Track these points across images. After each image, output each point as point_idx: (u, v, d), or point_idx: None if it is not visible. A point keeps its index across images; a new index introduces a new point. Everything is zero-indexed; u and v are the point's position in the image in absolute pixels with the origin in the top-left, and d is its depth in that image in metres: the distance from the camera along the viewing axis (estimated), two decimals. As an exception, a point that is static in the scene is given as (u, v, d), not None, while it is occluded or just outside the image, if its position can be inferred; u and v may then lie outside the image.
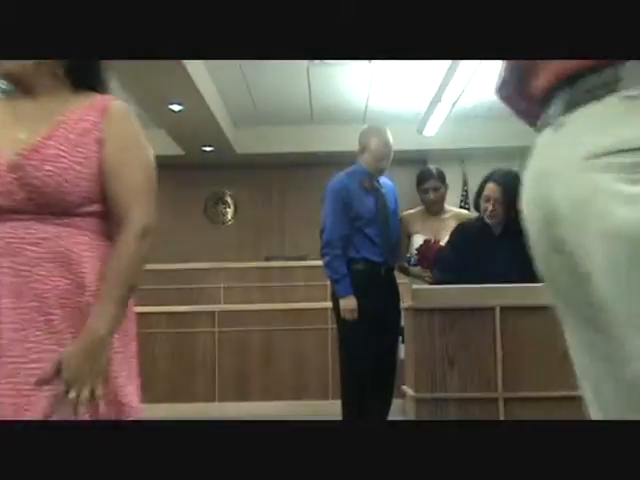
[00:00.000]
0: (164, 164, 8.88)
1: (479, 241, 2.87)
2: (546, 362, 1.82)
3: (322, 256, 3.35)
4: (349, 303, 3.23)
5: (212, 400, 4.80)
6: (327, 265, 3.31)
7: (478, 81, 5.91)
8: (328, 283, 3.53)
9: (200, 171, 8.48)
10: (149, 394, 5.34)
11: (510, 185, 2.80)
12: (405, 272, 3.47)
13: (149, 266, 5.84)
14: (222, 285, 5.70)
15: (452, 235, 3.07)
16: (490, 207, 2.82)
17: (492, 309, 1.81)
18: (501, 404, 1.79)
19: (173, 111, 6.19)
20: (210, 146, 7.66)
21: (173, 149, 7.72)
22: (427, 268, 3.32)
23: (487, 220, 2.84)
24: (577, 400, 1.80)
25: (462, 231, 3.01)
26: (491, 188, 2.83)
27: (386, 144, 3.34)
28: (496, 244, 2.84)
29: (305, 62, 5.86)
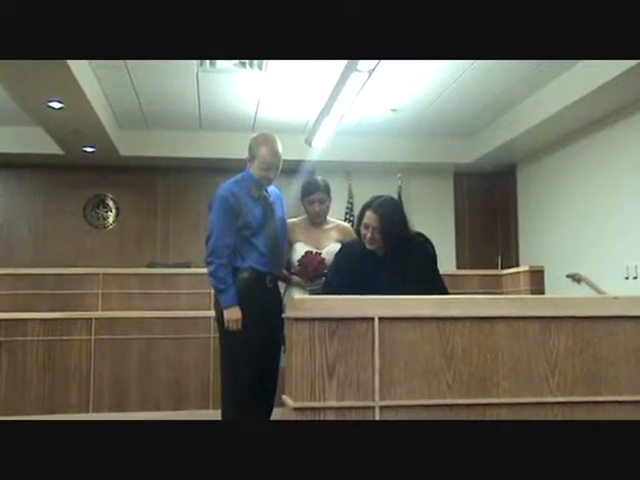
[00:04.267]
0: (42, 164, 8.51)
1: (363, 261, 2.95)
2: (416, 371, 1.90)
3: (207, 264, 3.31)
4: (233, 313, 3.22)
5: (86, 411, 4.62)
6: (212, 274, 3.28)
7: (365, 96, 6.09)
8: (212, 291, 3.49)
9: (80, 172, 8.16)
10: (20, 404, 5.08)
11: (388, 213, 2.90)
12: (285, 280, 3.49)
13: (22, 270, 5.58)
14: (100, 291, 5.50)
15: (337, 255, 3.13)
16: (368, 234, 2.90)
17: (371, 319, 1.86)
18: (377, 412, 1.84)
19: (53, 108, 5.91)
20: (92, 147, 7.39)
21: (52, 148, 7.38)
22: (307, 279, 3.36)
23: (367, 246, 2.93)
24: (444, 407, 1.89)
25: (347, 251, 3.08)
26: (369, 216, 2.91)
27: (276, 153, 3.34)
28: (379, 265, 2.92)
29: (195, 67, 5.79)
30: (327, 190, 3.51)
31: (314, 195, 3.47)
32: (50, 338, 4.67)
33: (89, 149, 7.44)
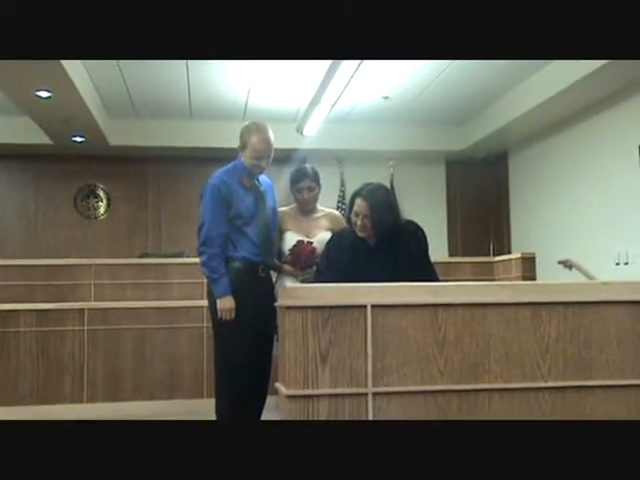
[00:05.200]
0: (31, 154, 8.44)
1: (354, 249, 2.94)
2: (408, 357, 1.91)
3: (199, 254, 3.30)
4: (226, 303, 3.21)
5: (80, 401, 4.62)
6: (204, 264, 3.27)
7: (357, 84, 6.07)
8: (204, 281, 3.49)
9: (70, 162, 8.10)
10: (14, 395, 5.08)
11: (377, 201, 2.88)
12: (277, 269, 3.49)
13: (14, 261, 5.57)
14: (92, 282, 5.49)
15: (328, 243, 3.12)
16: (359, 222, 2.89)
17: (364, 307, 1.87)
18: (370, 399, 1.85)
19: (40, 97, 5.86)
20: (81, 136, 7.33)
21: (40, 138, 7.31)
22: (299, 269, 3.36)
23: (358, 234, 2.92)
24: (436, 393, 1.90)
25: (338, 239, 3.07)
26: (359, 204, 2.90)
27: (267, 141, 3.33)
28: (370, 253, 2.92)
29: (184, 55, 5.75)
30: (316, 178, 3.50)
31: (302, 183, 3.46)
32: (43, 329, 4.67)
33: (78, 139, 7.39)
